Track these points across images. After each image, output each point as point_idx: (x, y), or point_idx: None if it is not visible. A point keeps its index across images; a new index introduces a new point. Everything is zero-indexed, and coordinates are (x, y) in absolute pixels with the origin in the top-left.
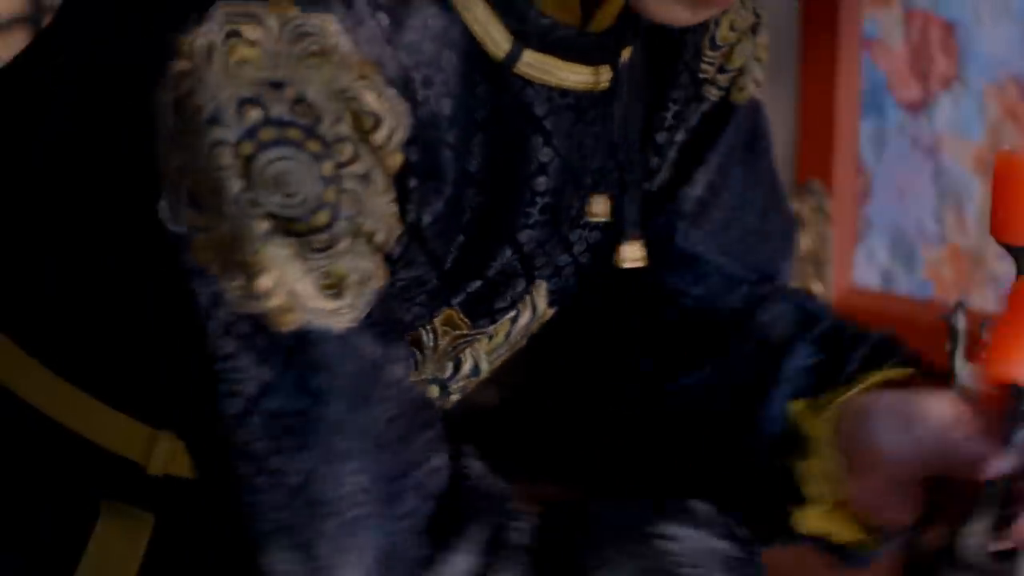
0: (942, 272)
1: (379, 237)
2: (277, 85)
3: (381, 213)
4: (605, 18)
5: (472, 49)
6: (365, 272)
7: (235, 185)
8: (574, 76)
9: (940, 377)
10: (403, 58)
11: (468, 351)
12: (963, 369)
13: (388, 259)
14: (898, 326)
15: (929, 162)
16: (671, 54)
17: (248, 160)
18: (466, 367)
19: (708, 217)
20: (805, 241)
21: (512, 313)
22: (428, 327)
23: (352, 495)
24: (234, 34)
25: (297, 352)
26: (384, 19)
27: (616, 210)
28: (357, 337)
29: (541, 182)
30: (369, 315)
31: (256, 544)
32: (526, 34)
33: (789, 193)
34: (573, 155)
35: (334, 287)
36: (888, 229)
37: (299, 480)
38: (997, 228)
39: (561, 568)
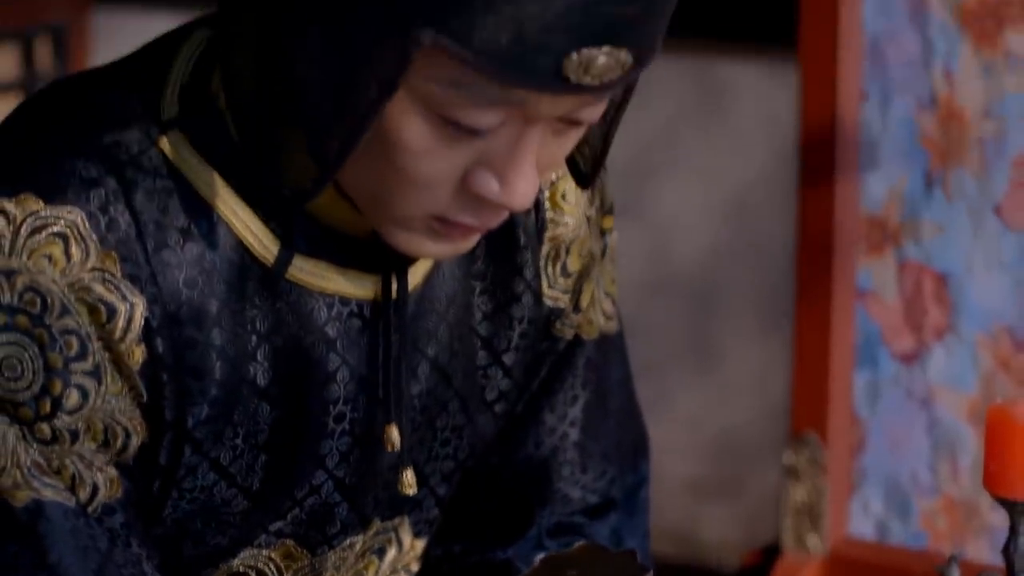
0: (937, 523)
1: (114, 439)
2: (9, 273)
3: (114, 412)
4: None
5: (242, 253)
6: (90, 478)
7: None
8: (353, 284)
9: None
10: (158, 255)
11: None
12: None
13: (153, 464)
14: None
15: (923, 413)
16: (508, 273)
17: None
18: None
19: (563, 447)
20: (800, 493)
21: (353, 539)
22: (270, 563)
23: None
24: None
25: (31, 526)
26: (140, 216)
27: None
28: (87, 518)
29: (332, 390)
30: (102, 514)
31: None
32: (295, 239)
33: (785, 445)
34: (361, 364)
35: (61, 476)
36: (882, 479)
37: None
38: (990, 481)
39: None
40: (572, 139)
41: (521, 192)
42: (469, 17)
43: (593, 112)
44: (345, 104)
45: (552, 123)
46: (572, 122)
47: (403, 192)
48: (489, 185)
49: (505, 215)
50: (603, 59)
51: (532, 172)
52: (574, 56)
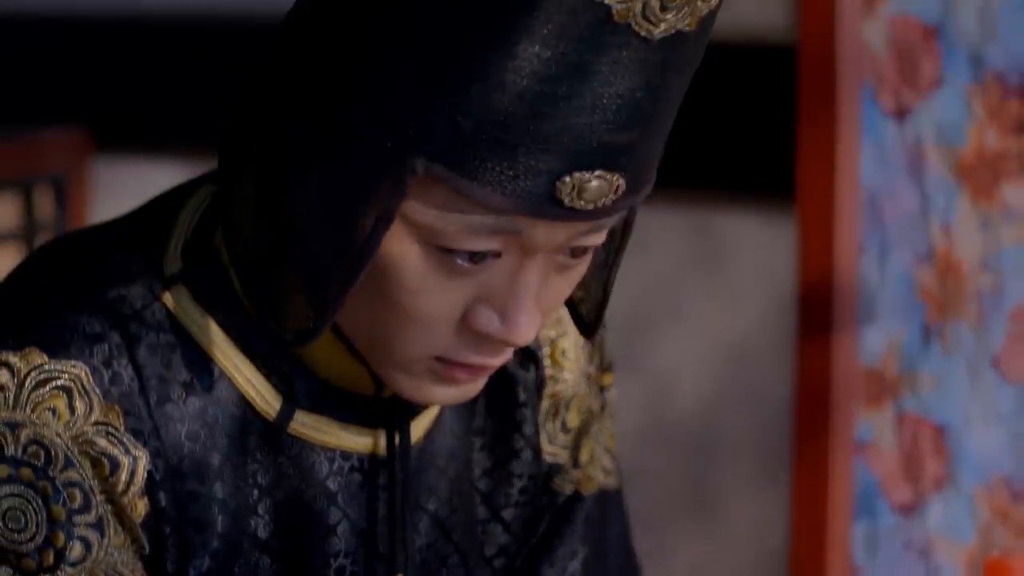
0: None
1: None
2: (14, 426)
3: (117, 564)
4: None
5: (244, 407)
6: None
7: None
8: (354, 438)
9: None
10: (160, 409)
11: None
12: None
13: None
14: None
15: (921, 564)
16: (508, 429)
17: None
18: None
19: None
20: None
21: None
22: None
23: None
24: None
25: None
26: (143, 370)
27: None
28: None
29: (333, 543)
30: None
31: None
32: (296, 394)
33: None
34: (362, 518)
35: None
36: None
37: None
38: None
39: None
40: (573, 276)
41: (523, 327)
42: (461, 144)
43: (592, 240)
44: (343, 241)
45: (552, 258)
46: (572, 253)
47: (403, 332)
48: (490, 322)
49: (509, 353)
50: (596, 183)
51: (533, 307)
52: (567, 179)
